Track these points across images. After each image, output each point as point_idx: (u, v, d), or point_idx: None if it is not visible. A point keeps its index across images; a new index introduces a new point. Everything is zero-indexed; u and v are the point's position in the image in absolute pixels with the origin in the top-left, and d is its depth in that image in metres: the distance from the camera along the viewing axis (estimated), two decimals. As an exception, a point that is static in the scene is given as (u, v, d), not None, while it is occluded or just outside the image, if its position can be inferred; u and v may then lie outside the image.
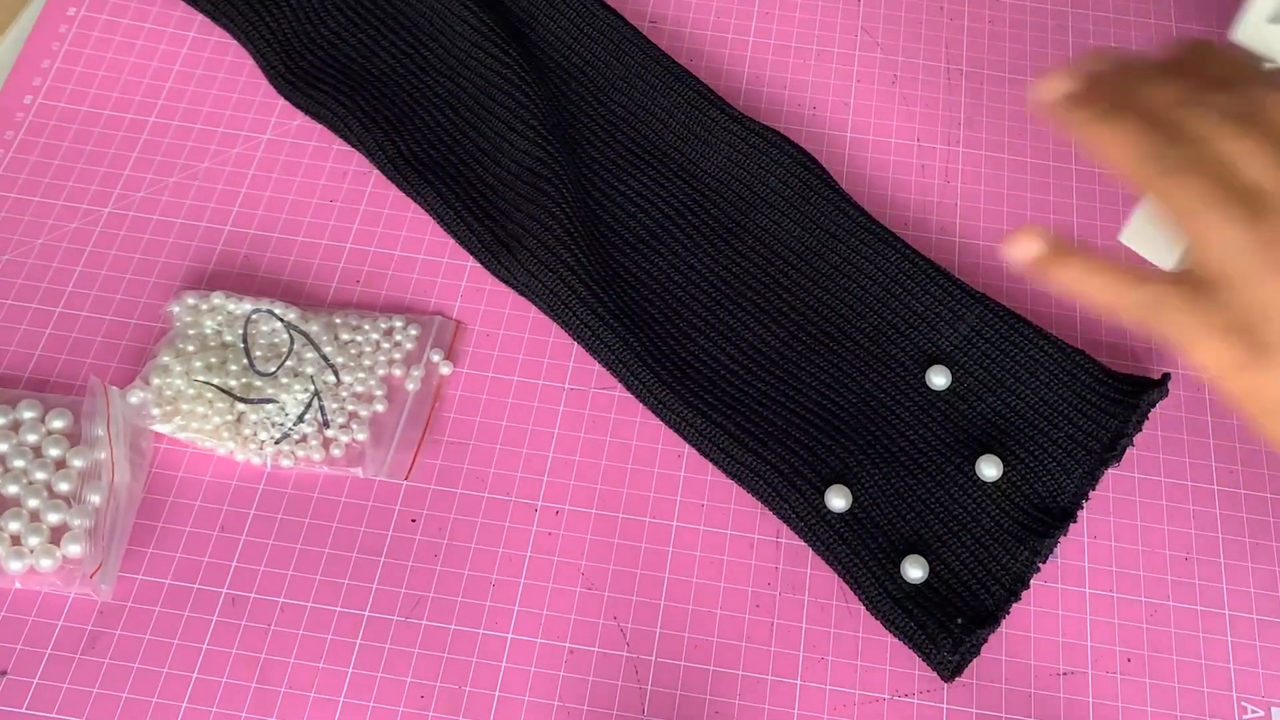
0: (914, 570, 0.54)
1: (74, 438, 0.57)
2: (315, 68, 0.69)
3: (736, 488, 0.58)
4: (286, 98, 0.68)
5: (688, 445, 0.59)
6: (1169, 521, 0.58)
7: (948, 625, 0.53)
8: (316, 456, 0.58)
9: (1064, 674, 0.54)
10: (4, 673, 0.53)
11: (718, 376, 0.60)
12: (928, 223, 0.66)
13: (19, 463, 0.56)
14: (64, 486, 0.56)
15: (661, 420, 0.59)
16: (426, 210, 0.65)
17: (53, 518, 0.55)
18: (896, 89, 0.72)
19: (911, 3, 0.75)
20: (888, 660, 0.54)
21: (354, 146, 0.66)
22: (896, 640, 0.54)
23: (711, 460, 0.58)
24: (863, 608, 0.55)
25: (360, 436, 0.58)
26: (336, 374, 0.59)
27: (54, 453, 0.57)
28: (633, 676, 0.54)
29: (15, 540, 0.55)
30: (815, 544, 0.56)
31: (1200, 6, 0.75)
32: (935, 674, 0.53)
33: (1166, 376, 0.59)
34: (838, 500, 0.56)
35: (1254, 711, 0.54)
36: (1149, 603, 0.56)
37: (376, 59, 0.69)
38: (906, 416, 0.59)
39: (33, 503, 0.55)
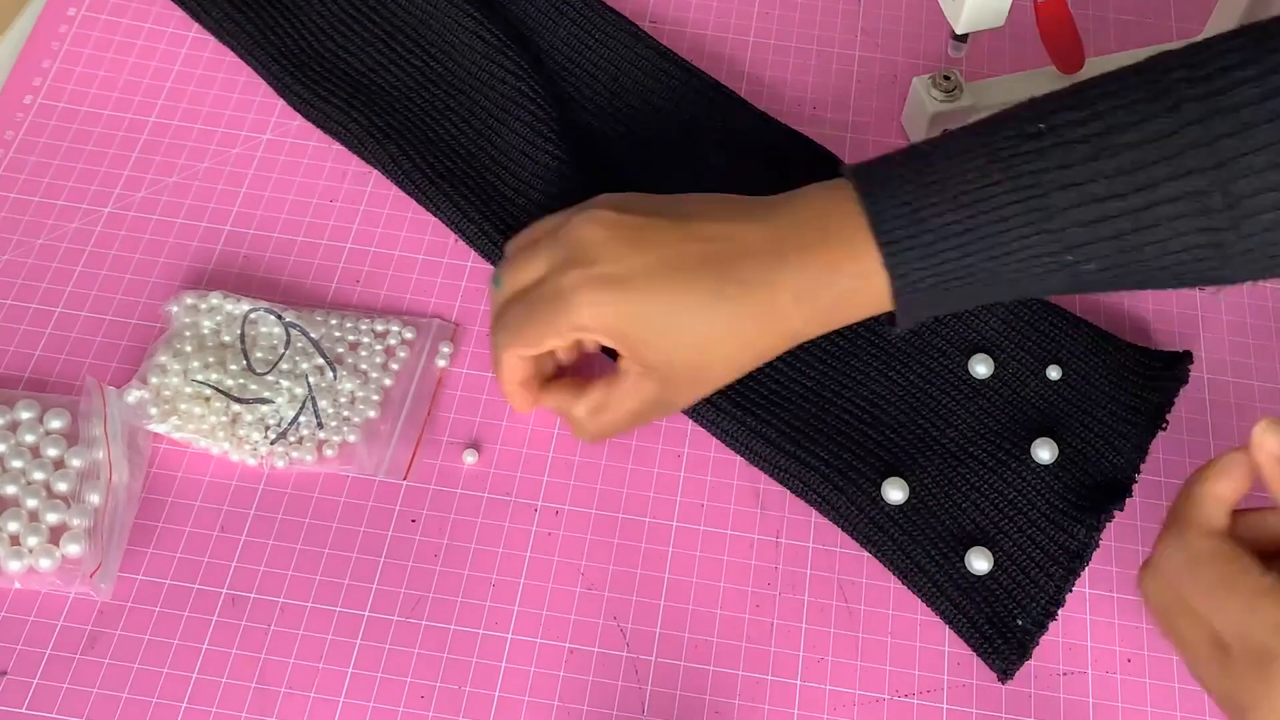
0: (979, 562, 0.55)
1: (72, 438, 0.57)
2: (327, 83, 0.68)
3: (736, 488, 0.58)
4: (302, 114, 0.68)
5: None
6: (1169, 521, 0.58)
7: (1010, 625, 0.54)
8: (309, 457, 0.57)
9: (1064, 674, 0.54)
10: (4, 673, 0.53)
11: (763, 375, 0.60)
12: (928, 223, 0.66)
13: (17, 463, 0.56)
14: (63, 486, 0.56)
15: (707, 426, 0.59)
16: (446, 224, 0.64)
17: (52, 517, 0.55)
18: (896, 89, 0.72)
19: (911, 3, 0.75)
20: (888, 660, 0.54)
21: (368, 162, 0.66)
22: (898, 641, 0.54)
23: (762, 460, 0.58)
24: (860, 609, 0.55)
25: (351, 438, 0.58)
26: (335, 374, 0.59)
27: (52, 453, 0.57)
28: (633, 676, 0.54)
29: (14, 540, 0.55)
30: (876, 538, 0.56)
31: (1200, 8, 0.75)
32: (990, 669, 0.54)
33: (1188, 353, 0.60)
34: (895, 493, 0.56)
35: (1254, 712, 0.53)
36: (1149, 603, 0.56)
37: (386, 73, 0.69)
38: (954, 407, 0.59)
39: (31, 503, 0.55)
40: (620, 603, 0.55)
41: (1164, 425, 0.59)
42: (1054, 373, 0.60)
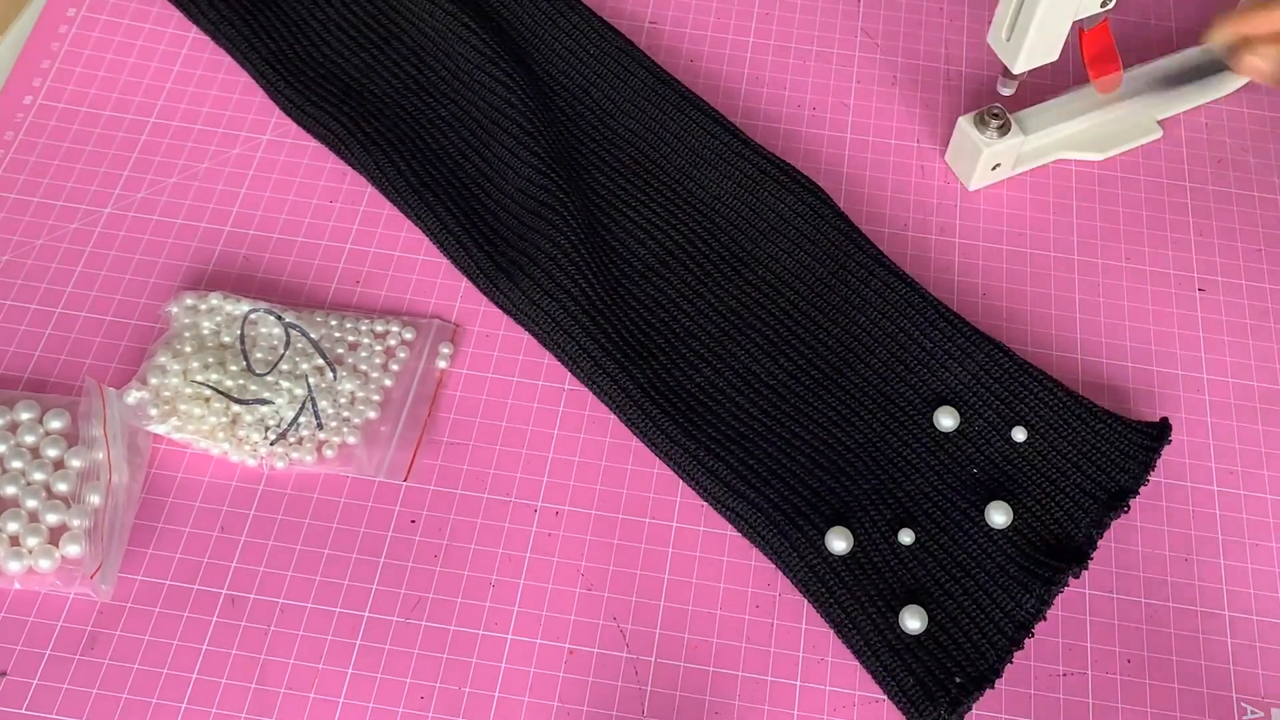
0: (912, 621, 0.53)
1: (72, 438, 0.57)
2: (317, 87, 0.68)
3: (736, 488, 0.58)
4: (291, 117, 0.68)
5: (681, 481, 0.58)
6: (1168, 522, 0.58)
7: (946, 684, 0.52)
8: (309, 458, 0.57)
9: (1064, 675, 0.54)
10: (4, 673, 0.53)
11: (722, 410, 0.59)
12: (928, 223, 0.66)
13: (17, 463, 0.56)
14: (62, 487, 0.56)
15: (658, 453, 0.58)
16: (424, 232, 0.64)
17: (51, 518, 0.55)
18: (896, 89, 0.72)
19: (911, 3, 0.75)
20: (887, 661, 0.54)
21: (353, 167, 0.66)
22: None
23: (710, 497, 0.57)
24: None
25: (351, 439, 0.58)
26: (334, 374, 0.59)
27: (52, 453, 0.57)
28: (632, 677, 0.54)
29: (14, 541, 0.55)
30: (813, 585, 0.54)
31: (1200, 6, 0.75)
32: None
33: (1165, 421, 0.58)
34: (839, 542, 0.55)
35: (1254, 713, 0.53)
36: (1149, 603, 0.56)
37: (378, 79, 0.69)
38: (914, 459, 0.58)
39: (31, 503, 0.55)
40: (620, 603, 0.55)
41: (1125, 509, 0.57)
42: (1019, 434, 0.58)
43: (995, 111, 0.65)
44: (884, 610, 0.54)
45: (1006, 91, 0.66)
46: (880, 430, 0.59)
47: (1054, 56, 0.63)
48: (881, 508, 0.56)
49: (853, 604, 0.54)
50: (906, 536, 0.56)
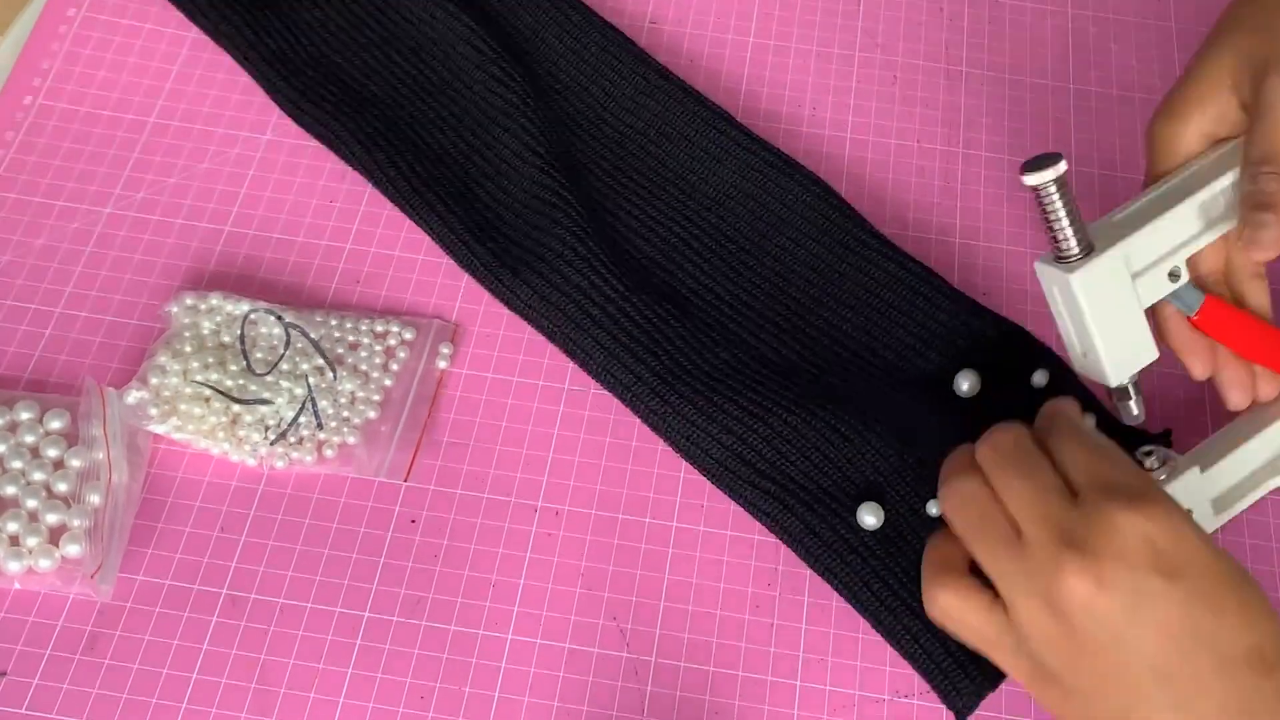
0: None
1: (72, 438, 0.57)
2: (317, 87, 0.68)
3: (736, 488, 0.58)
4: (292, 117, 0.68)
5: (705, 480, 0.58)
6: (1169, 522, 0.58)
7: (980, 659, 0.50)
8: (309, 458, 0.57)
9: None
10: (3, 673, 0.53)
11: (742, 397, 0.58)
12: (927, 224, 0.66)
13: (17, 463, 0.56)
14: (62, 487, 0.56)
15: (677, 443, 0.58)
16: (427, 232, 0.64)
17: (51, 518, 0.55)
18: (896, 89, 0.72)
19: (911, 3, 0.75)
20: (887, 661, 0.54)
21: (353, 167, 0.66)
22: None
23: (735, 481, 0.57)
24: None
25: (351, 439, 0.58)
26: (334, 374, 0.59)
27: (52, 453, 0.57)
28: (632, 677, 0.54)
29: (14, 541, 0.55)
30: (840, 568, 0.54)
31: (1200, 8, 0.75)
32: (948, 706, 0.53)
33: (1168, 433, 0.58)
34: (869, 518, 0.55)
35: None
36: (1149, 604, 0.56)
37: (379, 79, 0.69)
38: (936, 426, 0.58)
39: (31, 503, 0.55)
40: (620, 603, 0.55)
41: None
42: (1040, 378, 0.59)
43: (1148, 450, 0.53)
44: (915, 587, 0.53)
45: (1132, 420, 0.55)
46: (903, 401, 0.59)
47: (1154, 354, 0.53)
48: (909, 480, 0.56)
49: (880, 584, 0.54)
50: (934, 508, 0.56)
